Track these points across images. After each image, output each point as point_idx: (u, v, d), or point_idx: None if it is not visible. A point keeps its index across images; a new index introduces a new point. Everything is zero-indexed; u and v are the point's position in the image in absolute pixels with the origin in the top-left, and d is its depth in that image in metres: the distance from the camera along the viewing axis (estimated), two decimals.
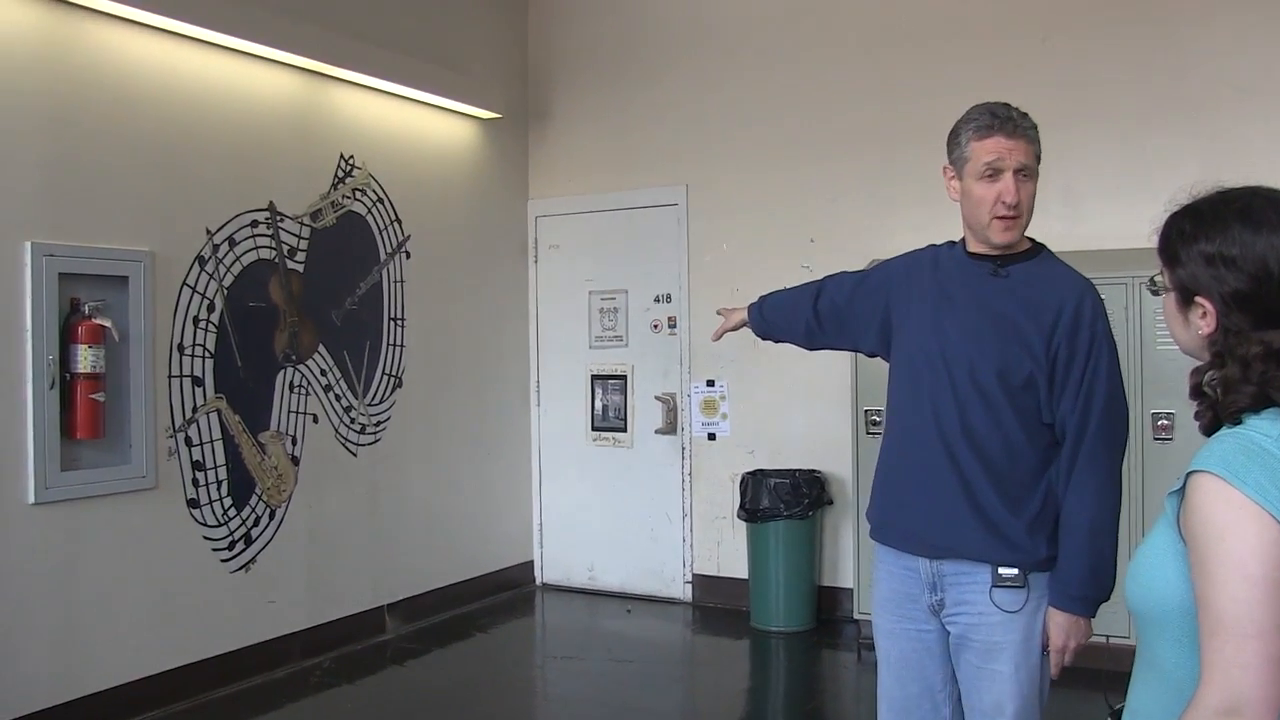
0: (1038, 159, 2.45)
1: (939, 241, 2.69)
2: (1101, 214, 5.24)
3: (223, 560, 4.84)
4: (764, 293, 3.06)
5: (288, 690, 4.87)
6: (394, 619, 5.76)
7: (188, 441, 4.68)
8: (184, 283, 4.68)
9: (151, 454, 4.50)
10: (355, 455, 5.57)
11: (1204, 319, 1.51)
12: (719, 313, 3.19)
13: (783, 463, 6.00)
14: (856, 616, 5.44)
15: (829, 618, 5.85)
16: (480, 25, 6.55)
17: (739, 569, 6.10)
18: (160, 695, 4.51)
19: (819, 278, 2.94)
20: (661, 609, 6.37)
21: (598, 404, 6.73)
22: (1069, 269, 2.50)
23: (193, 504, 4.70)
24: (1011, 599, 2.40)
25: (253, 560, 4.97)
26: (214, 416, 4.80)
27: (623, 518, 6.61)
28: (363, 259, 5.66)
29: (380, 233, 5.76)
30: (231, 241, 4.90)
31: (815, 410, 5.96)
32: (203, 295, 4.76)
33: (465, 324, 6.38)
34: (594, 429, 6.73)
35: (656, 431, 6.50)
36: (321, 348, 5.38)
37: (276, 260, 5.14)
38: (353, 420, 5.55)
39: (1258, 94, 5.02)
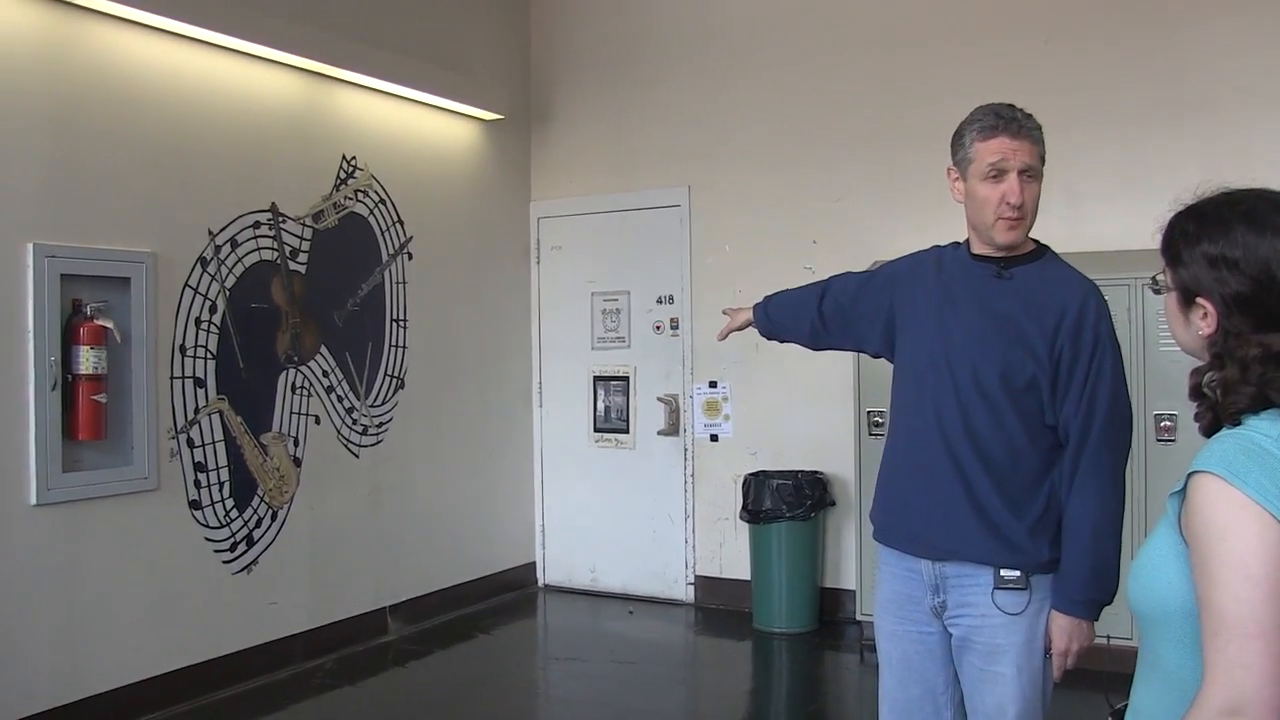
0: (1042, 160, 2.44)
1: (942, 243, 2.69)
2: (1103, 215, 5.24)
3: (224, 561, 4.84)
4: (768, 293, 3.06)
5: (290, 692, 4.87)
6: (396, 620, 5.76)
7: (190, 443, 4.68)
8: (186, 284, 4.68)
9: (153, 455, 4.50)
10: (357, 456, 5.57)
11: (1205, 320, 1.50)
12: (725, 312, 3.19)
13: (785, 464, 5.99)
14: (859, 618, 5.44)
15: (831, 619, 5.85)
16: (482, 26, 6.55)
17: (741, 570, 6.09)
18: (162, 697, 4.51)
19: (824, 278, 2.94)
20: (664, 610, 6.36)
21: (600, 405, 6.73)
22: (1073, 270, 2.49)
23: (194, 505, 4.70)
24: (1014, 601, 2.39)
25: (255, 561, 4.97)
26: (216, 418, 4.80)
27: (625, 519, 6.61)
28: (365, 260, 5.66)
29: (382, 234, 5.76)
30: (233, 242, 4.91)
31: (818, 411, 5.96)
32: (205, 296, 4.76)
33: (467, 325, 6.38)
34: (596, 430, 6.73)
35: (659, 433, 6.50)
36: (323, 349, 5.38)
37: (279, 261, 5.14)
38: (355, 421, 5.55)
39: (1259, 95, 5.01)
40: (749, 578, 5.95)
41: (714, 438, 6.36)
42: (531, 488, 6.89)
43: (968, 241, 2.57)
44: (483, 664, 5.48)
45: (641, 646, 5.86)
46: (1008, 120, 2.40)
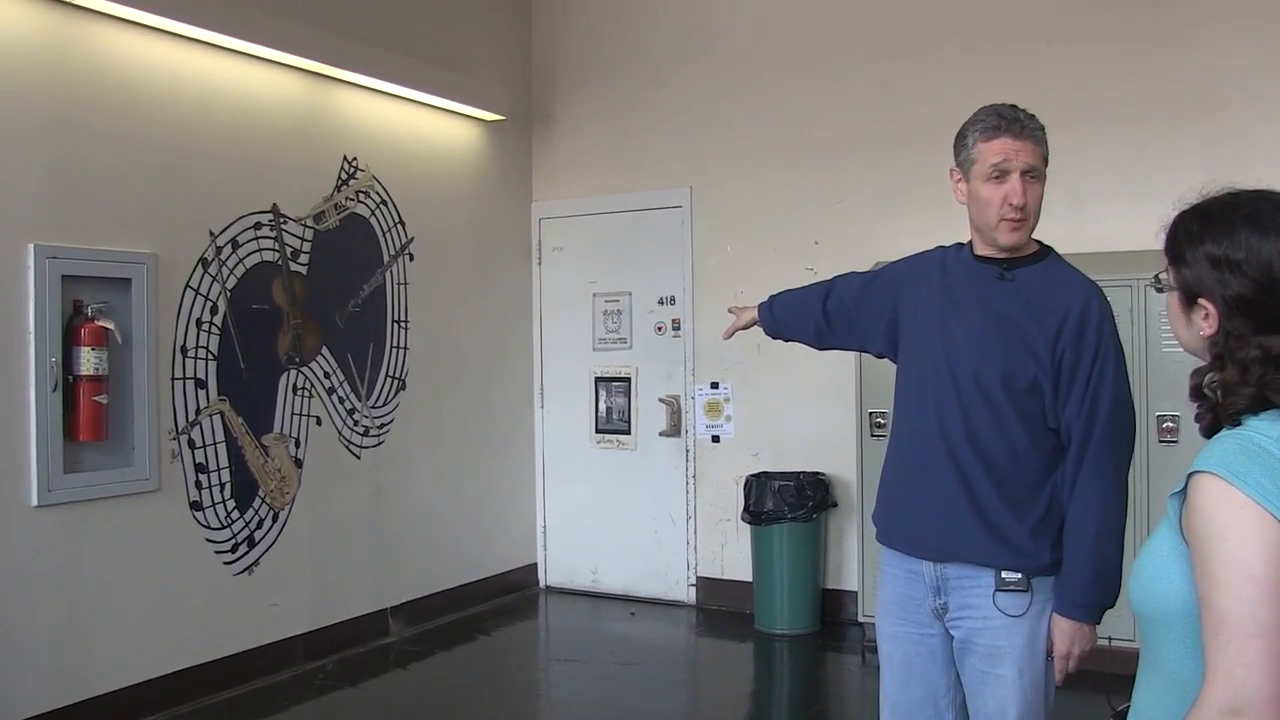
0: (1045, 160, 2.43)
1: (945, 244, 2.68)
2: (1105, 215, 5.23)
3: (226, 563, 4.84)
4: (772, 293, 3.06)
5: (291, 693, 4.87)
6: (397, 621, 5.76)
7: (191, 444, 4.68)
8: (187, 285, 4.68)
9: (154, 456, 4.50)
10: (358, 457, 5.57)
11: (1206, 320, 1.50)
12: (731, 311, 3.19)
13: (787, 465, 5.99)
14: (861, 619, 5.43)
15: (833, 620, 5.84)
16: (484, 27, 6.55)
17: (743, 572, 6.09)
18: (163, 698, 4.51)
19: (829, 278, 2.94)
20: (665, 611, 6.36)
21: (602, 406, 6.72)
22: (1076, 272, 2.48)
23: (196, 506, 4.70)
24: (1015, 603, 2.38)
25: (256, 563, 4.97)
26: (217, 419, 4.80)
27: (626, 520, 6.60)
28: (366, 261, 5.66)
29: (384, 235, 5.76)
30: (235, 243, 4.91)
31: (819, 412, 5.95)
32: (206, 297, 4.76)
33: (469, 326, 6.38)
34: (598, 431, 6.73)
35: (660, 434, 6.49)
36: (325, 350, 5.38)
37: (280, 262, 5.14)
38: (356, 422, 5.55)
39: (1262, 96, 5.01)
40: (750, 579, 5.94)
41: (715, 439, 6.35)
42: (533, 489, 6.89)
43: (971, 243, 2.56)
44: (484, 665, 5.47)
45: (643, 648, 5.85)
46: (1010, 121, 2.39)
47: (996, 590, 2.38)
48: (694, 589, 6.42)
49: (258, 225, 5.02)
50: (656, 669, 5.50)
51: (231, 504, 4.85)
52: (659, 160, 6.49)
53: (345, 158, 5.52)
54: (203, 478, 4.72)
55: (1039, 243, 2.52)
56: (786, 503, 5.66)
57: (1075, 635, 2.37)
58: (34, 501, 4.07)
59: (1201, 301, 1.50)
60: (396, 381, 5.82)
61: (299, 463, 5.21)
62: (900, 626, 2.55)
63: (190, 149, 4.72)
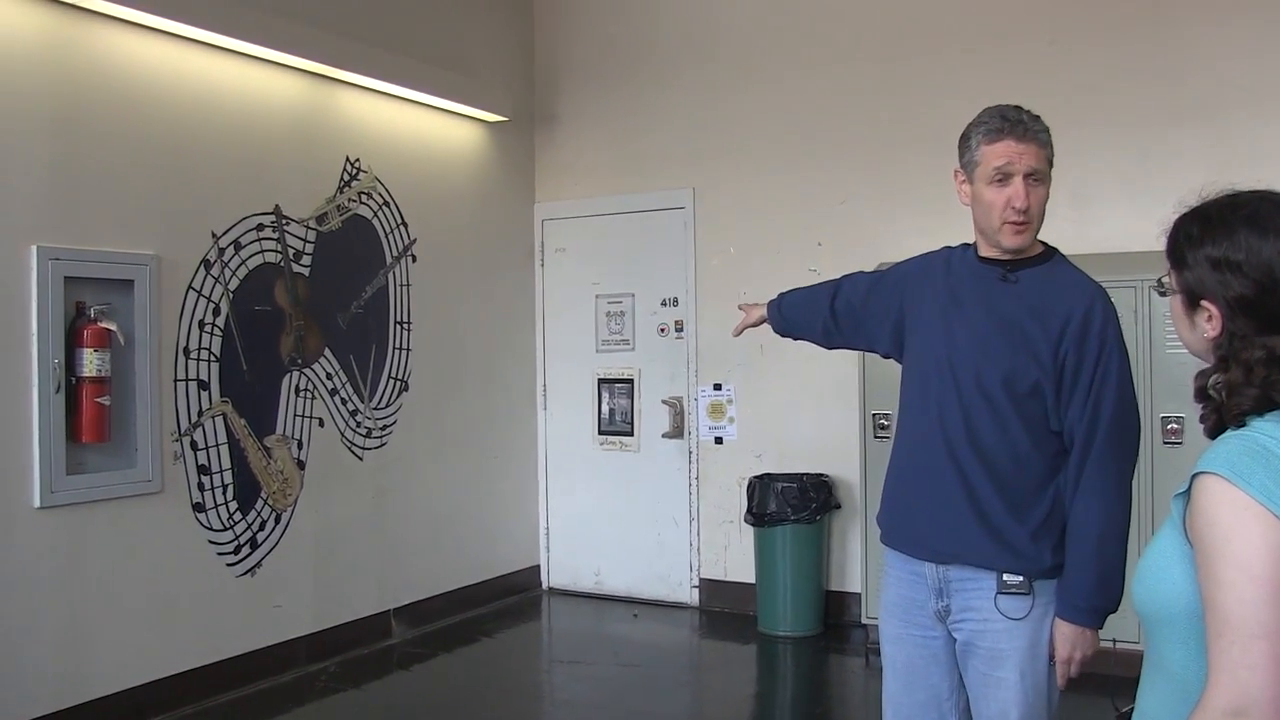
0: (1049, 163, 2.42)
1: (951, 244, 2.67)
2: (1109, 217, 5.23)
3: (228, 564, 4.84)
4: (780, 291, 3.05)
5: (293, 695, 4.87)
6: (400, 623, 5.76)
7: (193, 445, 4.68)
8: (189, 286, 4.68)
9: (157, 458, 4.50)
10: (361, 459, 5.57)
11: (1209, 322, 1.50)
12: (740, 308, 3.19)
13: (790, 467, 5.98)
14: (864, 621, 5.41)
15: (836, 622, 5.83)
16: (487, 28, 6.55)
17: (746, 573, 6.08)
18: (165, 699, 4.51)
19: (837, 277, 2.94)
20: (668, 613, 6.35)
21: (604, 408, 6.72)
22: (1080, 274, 2.47)
23: (198, 508, 4.70)
24: (1016, 606, 2.37)
25: (258, 564, 4.97)
26: (219, 420, 4.80)
27: (629, 522, 6.60)
28: (369, 262, 5.66)
29: (386, 236, 5.76)
30: (237, 245, 4.91)
31: (823, 414, 5.95)
32: (208, 299, 4.76)
33: (471, 327, 6.38)
34: (601, 433, 6.72)
35: (663, 435, 6.49)
36: (327, 351, 5.38)
37: (282, 264, 5.14)
38: (358, 424, 5.55)
39: (1266, 97, 5.00)
40: (754, 581, 5.94)
41: (718, 440, 6.35)
42: (536, 491, 6.89)
43: (976, 244, 2.56)
44: (487, 667, 5.47)
45: (646, 649, 5.85)
46: (1014, 123, 2.38)
47: (998, 593, 2.38)
48: (697, 591, 6.41)
49: (260, 226, 5.03)
50: (659, 671, 5.49)
51: (234, 505, 4.85)
52: (662, 161, 6.48)
53: (348, 159, 5.52)
54: (205, 479, 4.72)
55: (1044, 244, 2.51)
56: (790, 504, 5.66)
57: (1077, 640, 2.36)
58: (36, 503, 4.07)
59: (1204, 303, 1.50)
60: (399, 383, 5.82)
61: (301, 464, 5.21)
62: (903, 629, 2.55)
63: (192, 150, 4.72)
